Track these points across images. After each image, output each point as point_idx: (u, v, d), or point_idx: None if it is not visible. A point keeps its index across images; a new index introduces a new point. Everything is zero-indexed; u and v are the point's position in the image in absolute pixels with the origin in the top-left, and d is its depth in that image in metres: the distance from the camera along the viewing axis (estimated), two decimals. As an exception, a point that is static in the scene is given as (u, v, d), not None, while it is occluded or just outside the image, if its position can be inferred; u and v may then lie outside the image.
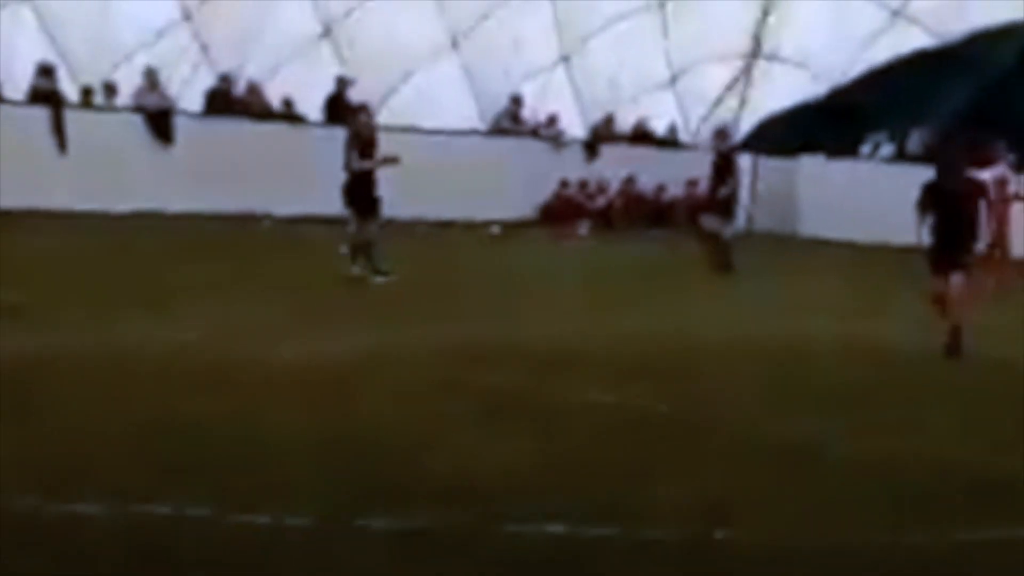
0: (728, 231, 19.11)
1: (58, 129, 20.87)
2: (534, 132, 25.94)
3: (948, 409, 9.48)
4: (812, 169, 26.47)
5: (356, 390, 9.01)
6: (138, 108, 21.94)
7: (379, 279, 15.16)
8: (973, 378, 10.88)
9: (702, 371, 10.44)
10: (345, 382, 9.24)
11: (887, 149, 26.36)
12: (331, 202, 20.97)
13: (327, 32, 24.23)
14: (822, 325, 12.92)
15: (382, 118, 24.15)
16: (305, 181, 20.63)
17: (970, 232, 12.14)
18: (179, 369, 9.40)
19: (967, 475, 7.55)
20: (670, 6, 26.98)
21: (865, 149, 26.53)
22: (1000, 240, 17.45)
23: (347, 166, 16.00)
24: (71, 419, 7.81)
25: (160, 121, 21.82)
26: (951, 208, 11.99)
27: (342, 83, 23.63)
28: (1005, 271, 17.58)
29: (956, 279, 11.87)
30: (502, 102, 25.85)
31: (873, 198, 23.64)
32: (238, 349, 10.12)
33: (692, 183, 26.58)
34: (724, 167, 19.31)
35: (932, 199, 12.05)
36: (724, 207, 19.29)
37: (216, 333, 10.76)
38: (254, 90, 23.16)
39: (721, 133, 20.59)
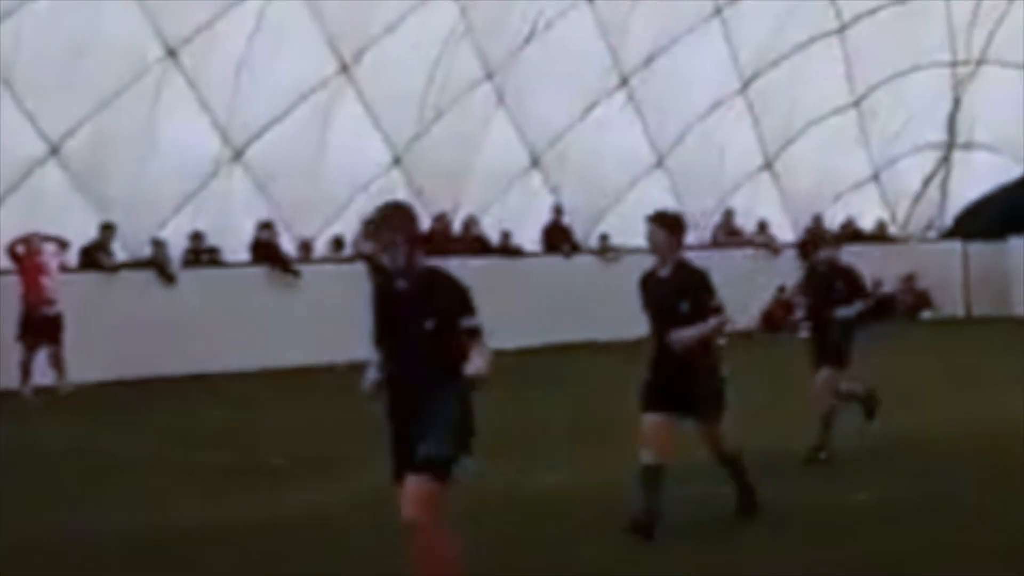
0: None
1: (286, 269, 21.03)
2: (748, 241, 25.56)
3: None
4: (1021, 250, 26.14)
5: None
6: (359, 256, 21.86)
7: None
8: None
9: None
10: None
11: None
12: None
13: (535, 162, 24.16)
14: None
15: (593, 240, 24.13)
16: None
17: None
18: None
19: None
20: (866, 104, 26.69)
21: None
22: None
23: None
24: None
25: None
26: None
27: (558, 211, 23.54)
28: None
29: None
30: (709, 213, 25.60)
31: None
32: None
33: (908, 278, 26.79)
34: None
35: None
36: None
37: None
38: (471, 225, 23.03)
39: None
